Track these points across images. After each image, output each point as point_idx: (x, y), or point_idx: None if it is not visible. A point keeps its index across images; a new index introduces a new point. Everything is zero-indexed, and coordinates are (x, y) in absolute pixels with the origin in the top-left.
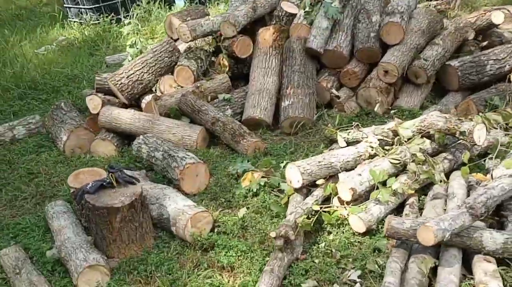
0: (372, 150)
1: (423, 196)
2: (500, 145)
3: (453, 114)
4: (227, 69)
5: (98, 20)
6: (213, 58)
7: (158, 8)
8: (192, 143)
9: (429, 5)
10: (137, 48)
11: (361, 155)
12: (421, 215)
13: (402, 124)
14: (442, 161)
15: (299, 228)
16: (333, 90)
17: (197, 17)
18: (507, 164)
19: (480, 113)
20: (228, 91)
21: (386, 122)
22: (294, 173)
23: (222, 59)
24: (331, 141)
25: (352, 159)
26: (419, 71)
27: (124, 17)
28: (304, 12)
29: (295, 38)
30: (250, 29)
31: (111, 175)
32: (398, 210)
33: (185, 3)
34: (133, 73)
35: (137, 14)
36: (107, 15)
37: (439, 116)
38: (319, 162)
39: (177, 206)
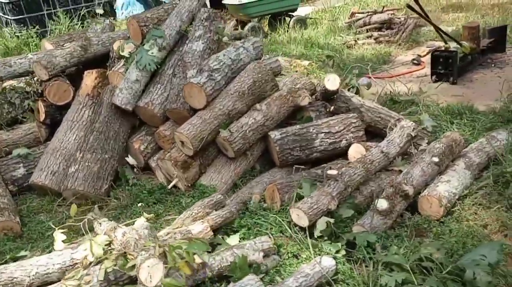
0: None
1: None
2: None
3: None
4: (42, 116)
5: (20, 32)
6: None
7: (78, 23)
8: None
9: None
10: None
11: (76, 263)
12: None
13: (96, 238)
14: None
15: None
16: (128, 157)
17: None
18: None
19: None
20: (35, 144)
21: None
22: None
23: (29, 105)
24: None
25: (59, 270)
26: (224, 143)
27: (51, 30)
28: (124, 58)
29: (108, 88)
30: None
31: None
32: None
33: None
34: None
35: (56, 29)
36: (32, 27)
37: (139, 232)
38: None
39: None
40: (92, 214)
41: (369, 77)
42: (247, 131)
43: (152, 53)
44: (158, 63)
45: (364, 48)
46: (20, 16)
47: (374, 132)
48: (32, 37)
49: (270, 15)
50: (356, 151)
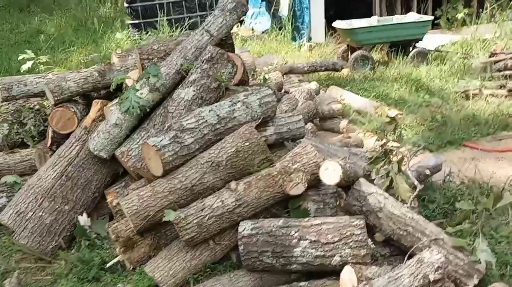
0: None
1: None
2: None
3: None
4: (49, 142)
5: (134, 36)
6: None
7: (182, 33)
8: None
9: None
10: None
11: None
12: None
13: None
14: None
15: None
16: (82, 216)
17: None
18: None
19: None
20: (30, 172)
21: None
22: None
23: (30, 129)
24: None
25: None
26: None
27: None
28: (118, 95)
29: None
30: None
31: None
32: None
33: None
34: None
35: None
36: (146, 32)
37: None
38: None
39: None
40: (10, 280)
41: (471, 147)
42: (207, 217)
43: (141, 94)
44: (146, 106)
45: (487, 101)
46: (136, 21)
47: (400, 248)
48: (144, 42)
49: (389, 44)
50: (349, 279)
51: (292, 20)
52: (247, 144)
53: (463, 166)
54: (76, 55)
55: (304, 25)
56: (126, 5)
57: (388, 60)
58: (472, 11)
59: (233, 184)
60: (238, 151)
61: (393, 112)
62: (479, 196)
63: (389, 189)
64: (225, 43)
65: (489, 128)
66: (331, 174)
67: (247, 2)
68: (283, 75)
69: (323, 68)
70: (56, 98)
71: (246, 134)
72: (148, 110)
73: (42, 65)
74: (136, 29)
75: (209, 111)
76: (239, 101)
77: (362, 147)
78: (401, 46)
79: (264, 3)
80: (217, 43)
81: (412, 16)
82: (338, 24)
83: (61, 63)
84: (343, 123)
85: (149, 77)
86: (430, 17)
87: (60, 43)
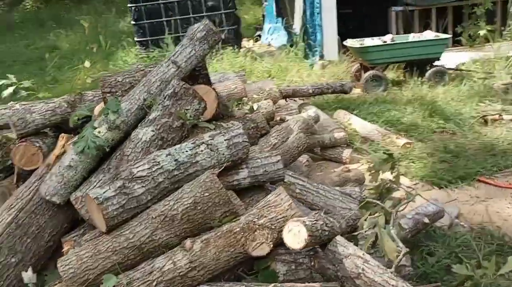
0: None
1: None
2: None
3: None
4: (15, 179)
5: (141, 54)
6: None
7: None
8: None
9: None
10: None
11: None
12: None
13: None
14: None
15: None
16: (27, 272)
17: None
18: None
19: None
20: None
21: None
22: None
23: None
24: None
25: None
26: None
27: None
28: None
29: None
30: None
31: None
32: None
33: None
34: None
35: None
36: (152, 50)
37: None
38: None
39: None
40: None
41: (486, 183)
42: (155, 283)
43: (99, 132)
44: (105, 146)
45: (508, 127)
46: (143, 39)
47: None
48: (151, 60)
49: (404, 63)
50: None
51: (304, 37)
52: (206, 194)
53: (474, 206)
54: (83, 73)
55: (316, 43)
56: (133, 22)
57: (404, 79)
58: (495, 28)
59: (188, 242)
60: (196, 202)
61: (402, 140)
62: (489, 246)
63: (375, 244)
64: (199, 73)
65: (506, 160)
66: (295, 237)
67: (263, 18)
68: (285, 99)
69: (330, 91)
70: (19, 132)
71: (206, 183)
72: (107, 150)
73: (24, 91)
74: (143, 47)
75: (166, 155)
76: (203, 143)
77: (363, 182)
78: (417, 65)
79: (280, 18)
80: (188, 74)
81: (429, 35)
82: (349, 42)
83: (68, 81)
84: (346, 152)
85: (108, 114)
86: (447, 36)
87: (70, 60)
